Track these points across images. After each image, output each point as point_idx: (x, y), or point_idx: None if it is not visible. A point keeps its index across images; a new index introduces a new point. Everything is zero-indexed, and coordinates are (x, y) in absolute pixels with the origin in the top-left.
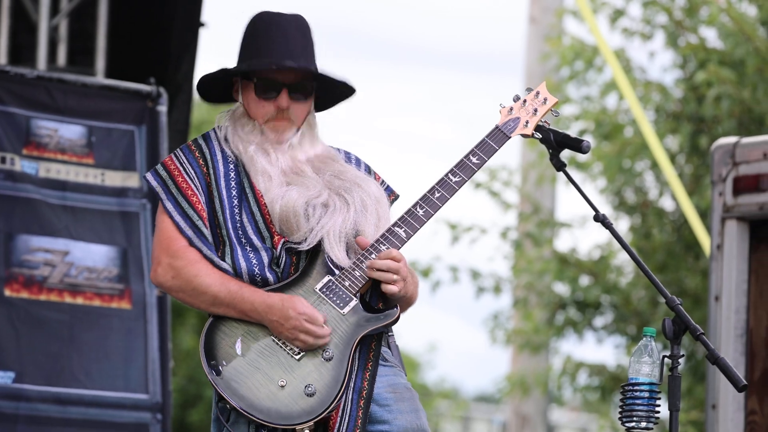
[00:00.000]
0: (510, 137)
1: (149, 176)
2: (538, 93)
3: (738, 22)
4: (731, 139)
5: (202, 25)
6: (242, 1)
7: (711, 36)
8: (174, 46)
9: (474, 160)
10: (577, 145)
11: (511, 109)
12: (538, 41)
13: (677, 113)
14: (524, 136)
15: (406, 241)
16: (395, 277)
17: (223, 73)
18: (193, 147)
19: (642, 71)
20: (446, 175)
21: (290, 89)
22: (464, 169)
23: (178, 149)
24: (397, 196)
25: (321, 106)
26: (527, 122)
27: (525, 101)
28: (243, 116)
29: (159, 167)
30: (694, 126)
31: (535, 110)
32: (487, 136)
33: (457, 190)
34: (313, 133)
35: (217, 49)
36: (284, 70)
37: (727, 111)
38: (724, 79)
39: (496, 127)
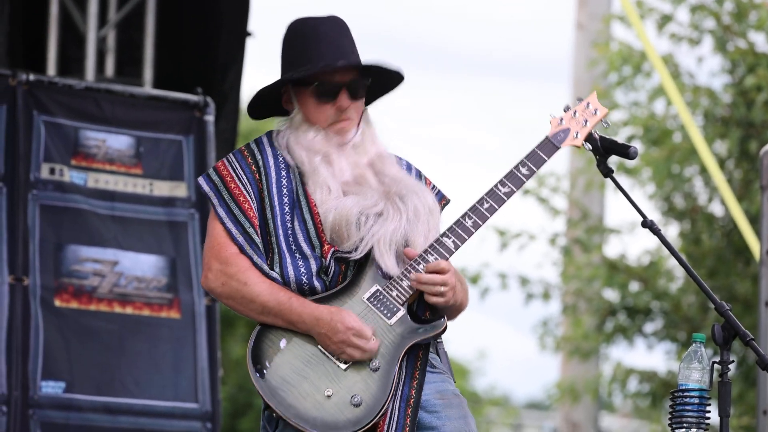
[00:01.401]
0: (560, 148)
1: (201, 181)
2: (588, 104)
3: None
4: None
5: (249, 34)
6: (289, 12)
7: (760, 40)
8: (221, 56)
9: (523, 170)
10: (624, 151)
11: (561, 119)
12: (585, 47)
13: (726, 118)
14: (574, 147)
15: (454, 252)
16: (442, 289)
17: (281, 83)
18: (245, 153)
19: (690, 76)
20: (495, 185)
21: (348, 88)
22: (513, 179)
23: (230, 154)
24: (448, 201)
25: (367, 100)
26: (577, 133)
27: (575, 112)
28: (303, 123)
29: (211, 172)
30: (743, 131)
31: (586, 121)
32: (537, 147)
33: (506, 200)
34: (372, 130)
35: (263, 58)
36: (341, 71)
37: None
38: None
39: (546, 137)
